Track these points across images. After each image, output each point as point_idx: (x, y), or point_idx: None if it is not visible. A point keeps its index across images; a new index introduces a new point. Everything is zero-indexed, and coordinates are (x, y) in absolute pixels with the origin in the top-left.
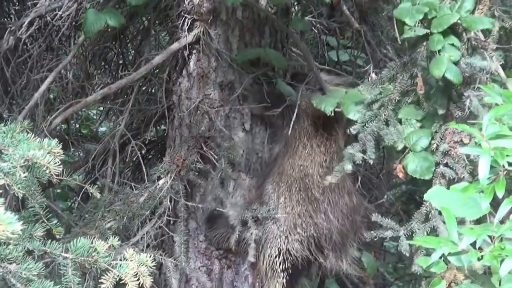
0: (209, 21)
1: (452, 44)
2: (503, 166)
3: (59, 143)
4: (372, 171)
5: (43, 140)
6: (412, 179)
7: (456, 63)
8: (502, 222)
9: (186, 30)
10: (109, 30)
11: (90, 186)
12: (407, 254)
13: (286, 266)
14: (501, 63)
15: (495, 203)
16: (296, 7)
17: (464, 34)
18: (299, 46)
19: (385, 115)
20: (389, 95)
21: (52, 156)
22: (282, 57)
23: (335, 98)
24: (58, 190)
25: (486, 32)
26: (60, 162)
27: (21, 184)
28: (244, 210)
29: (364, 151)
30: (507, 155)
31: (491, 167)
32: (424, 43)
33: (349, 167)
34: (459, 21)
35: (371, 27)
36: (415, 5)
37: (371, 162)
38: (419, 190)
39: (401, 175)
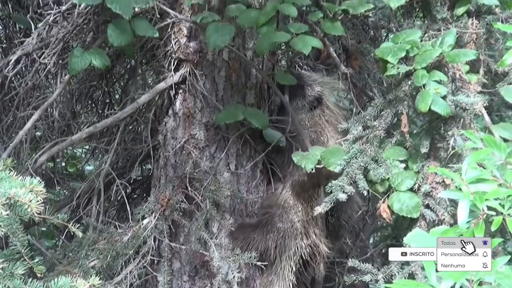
0: (196, 61)
1: (438, 81)
2: (483, 210)
3: (44, 182)
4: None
5: (26, 178)
6: (396, 222)
7: (443, 98)
8: None
9: (172, 70)
10: (95, 69)
11: (74, 225)
12: None
13: None
14: (485, 104)
15: None
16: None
17: (449, 75)
18: (280, 98)
19: (371, 150)
20: (374, 132)
21: (34, 194)
22: (263, 114)
23: (315, 155)
24: (44, 229)
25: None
26: (42, 201)
27: (2, 222)
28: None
29: (352, 184)
30: (486, 199)
31: (471, 211)
32: (409, 82)
33: (342, 195)
34: (442, 57)
35: (358, 69)
36: (397, 44)
37: (365, 193)
38: (404, 234)
39: (385, 215)
